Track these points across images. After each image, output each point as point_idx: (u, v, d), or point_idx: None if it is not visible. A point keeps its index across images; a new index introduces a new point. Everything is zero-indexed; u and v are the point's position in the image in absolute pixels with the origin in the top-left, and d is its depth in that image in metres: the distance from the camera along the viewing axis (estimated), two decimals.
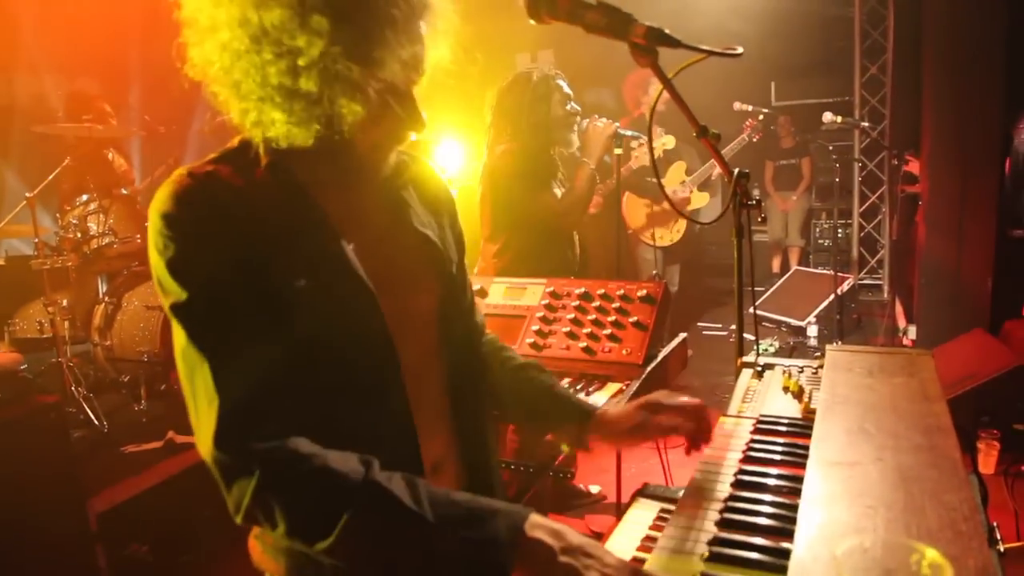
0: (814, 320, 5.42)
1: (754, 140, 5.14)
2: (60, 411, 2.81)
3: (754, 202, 1.49)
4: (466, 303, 1.28)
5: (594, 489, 3.63)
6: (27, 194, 3.97)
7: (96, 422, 3.64)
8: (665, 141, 3.82)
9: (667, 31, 1.04)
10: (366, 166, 1.09)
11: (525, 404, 1.34)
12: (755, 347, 1.65)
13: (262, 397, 0.95)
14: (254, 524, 0.96)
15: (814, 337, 5.46)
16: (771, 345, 5.68)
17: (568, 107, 2.92)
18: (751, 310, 5.42)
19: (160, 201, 0.99)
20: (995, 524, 1.24)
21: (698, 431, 1.23)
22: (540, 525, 0.90)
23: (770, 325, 5.73)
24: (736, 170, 1.47)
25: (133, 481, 3.14)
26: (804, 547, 0.86)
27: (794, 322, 5.48)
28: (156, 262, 0.98)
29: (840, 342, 5.02)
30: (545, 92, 2.91)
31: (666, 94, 1.18)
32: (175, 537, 3.11)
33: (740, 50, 1.09)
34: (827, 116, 4.64)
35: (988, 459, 3.77)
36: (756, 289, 6.29)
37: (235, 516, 0.95)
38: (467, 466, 1.21)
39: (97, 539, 2.85)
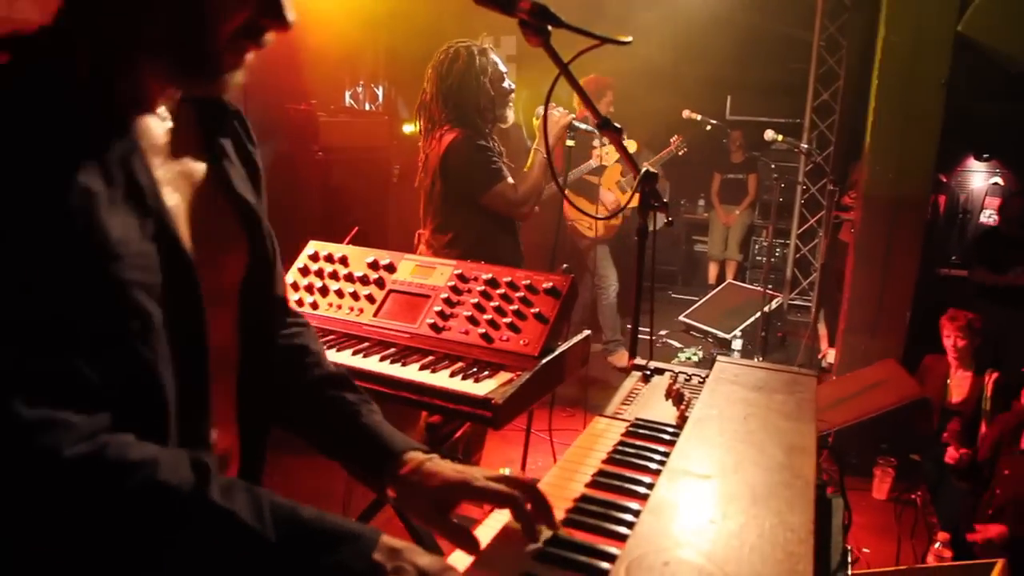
0: (739, 334, 5.51)
1: (680, 155, 5.21)
2: None
3: (658, 204, 1.47)
4: (272, 278, 1.10)
5: None
6: None
7: None
8: (626, 145, 3.79)
9: (551, 10, 0.99)
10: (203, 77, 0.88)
11: (322, 429, 1.12)
12: (649, 351, 1.63)
13: (70, 378, 0.75)
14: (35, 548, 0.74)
15: (738, 351, 5.55)
16: (695, 354, 5.76)
17: (505, 84, 2.85)
18: (681, 317, 5.45)
19: None
20: (849, 548, 1.25)
21: (535, 511, 0.94)
22: (385, 547, 0.81)
23: (697, 335, 5.81)
24: (644, 168, 1.44)
25: None
26: (625, 559, 0.83)
27: (720, 334, 5.56)
28: None
29: (762, 358, 5.11)
30: (485, 68, 2.81)
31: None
32: None
33: (629, 39, 1.05)
34: (769, 134, 4.67)
35: (882, 485, 3.89)
36: (688, 298, 6.36)
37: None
38: (248, 467, 1.08)
39: None
